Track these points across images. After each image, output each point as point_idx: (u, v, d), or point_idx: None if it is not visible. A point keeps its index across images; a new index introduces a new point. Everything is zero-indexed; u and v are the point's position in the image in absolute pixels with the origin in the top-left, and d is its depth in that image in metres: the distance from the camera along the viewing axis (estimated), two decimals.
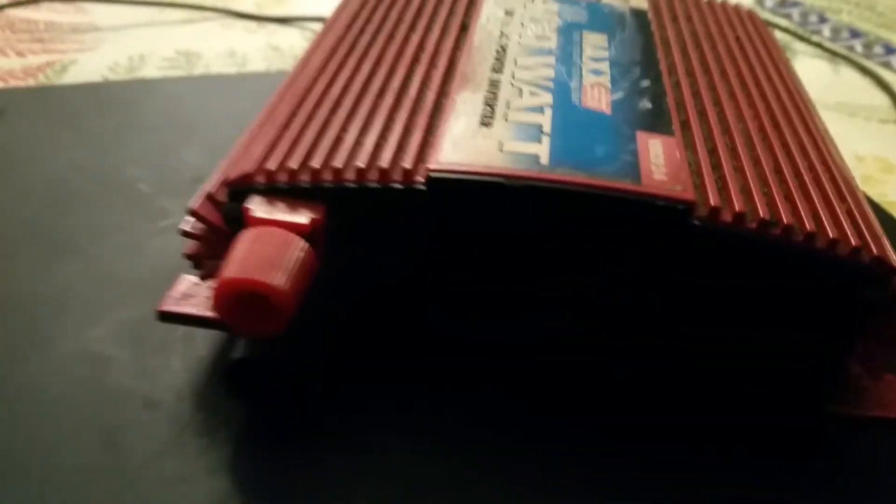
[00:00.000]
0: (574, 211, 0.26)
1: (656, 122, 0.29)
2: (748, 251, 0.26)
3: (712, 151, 0.29)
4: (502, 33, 0.35)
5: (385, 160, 0.26)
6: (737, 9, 0.42)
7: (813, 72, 0.62)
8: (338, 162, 0.26)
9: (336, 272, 0.27)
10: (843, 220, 0.27)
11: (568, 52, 0.34)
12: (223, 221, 0.26)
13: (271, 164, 0.26)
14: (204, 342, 0.30)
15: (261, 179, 0.26)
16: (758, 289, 0.26)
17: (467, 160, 0.26)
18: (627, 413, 0.29)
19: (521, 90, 0.31)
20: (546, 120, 0.29)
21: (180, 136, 0.43)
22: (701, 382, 0.29)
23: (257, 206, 0.26)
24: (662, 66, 0.34)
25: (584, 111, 0.30)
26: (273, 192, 0.26)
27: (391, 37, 0.35)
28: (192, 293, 0.29)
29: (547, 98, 0.30)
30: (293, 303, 0.24)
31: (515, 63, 0.33)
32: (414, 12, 0.37)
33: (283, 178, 0.26)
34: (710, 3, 0.42)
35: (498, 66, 0.32)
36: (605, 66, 0.33)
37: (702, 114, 0.31)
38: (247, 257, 0.24)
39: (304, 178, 0.26)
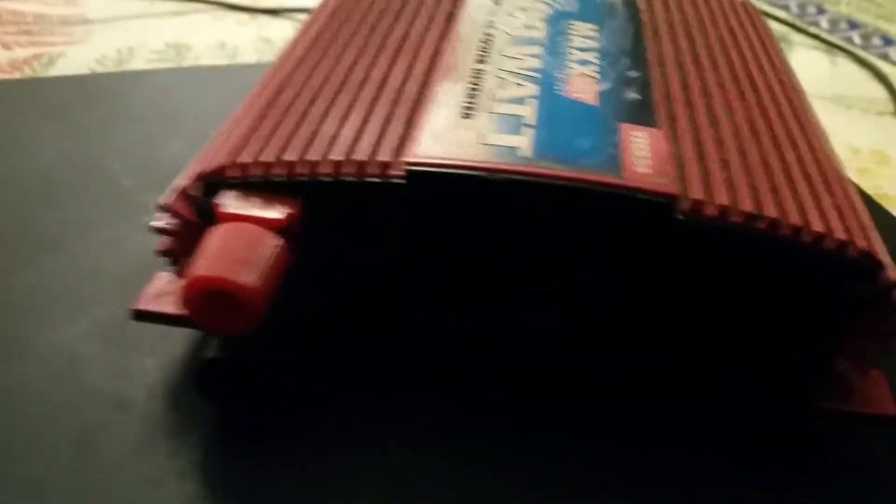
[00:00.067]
0: (554, 204, 0.25)
1: (643, 113, 0.29)
2: (733, 245, 0.25)
3: (699, 143, 0.28)
4: (489, 22, 0.35)
5: (363, 153, 0.26)
6: None
7: (810, 63, 0.61)
8: (314, 155, 0.26)
9: (312, 266, 0.26)
10: (830, 213, 0.26)
11: (556, 42, 0.33)
12: (196, 216, 0.26)
13: (245, 158, 0.26)
14: (180, 340, 0.29)
15: (234, 173, 0.26)
16: (743, 283, 0.26)
17: (446, 153, 0.26)
18: (616, 408, 0.28)
19: (505, 81, 0.30)
20: (530, 111, 0.28)
21: (167, 129, 0.42)
22: (688, 377, 0.28)
23: (230, 201, 0.25)
24: (652, 56, 0.33)
25: (570, 102, 0.29)
26: (247, 186, 0.25)
27: (375, 26, 0.34)
28: (167, 291, 0.28)
29: (532, 89, 0.30)
30: (264, 301, 0.23)
31: (501, 53, 0.32)
32: (400, 1, 0.36)
33: (257, 171, 0.26)
34: None
35: (483, 57, 0.32)
36: (593, 57, 0.32)
37: (690, 105, 0.30)
38: (216, 254, 0.23)
39: (279, 171, 0.25)
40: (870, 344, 0.27)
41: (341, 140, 0.26)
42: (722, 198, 0.25)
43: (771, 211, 0.25)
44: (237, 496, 0.25)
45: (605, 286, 0.27)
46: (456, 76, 0.30)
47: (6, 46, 0.54)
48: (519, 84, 0.30)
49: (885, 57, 0.62)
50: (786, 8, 0.69)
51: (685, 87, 0.31)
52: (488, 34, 0.34)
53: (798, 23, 0.66)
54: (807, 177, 0.28)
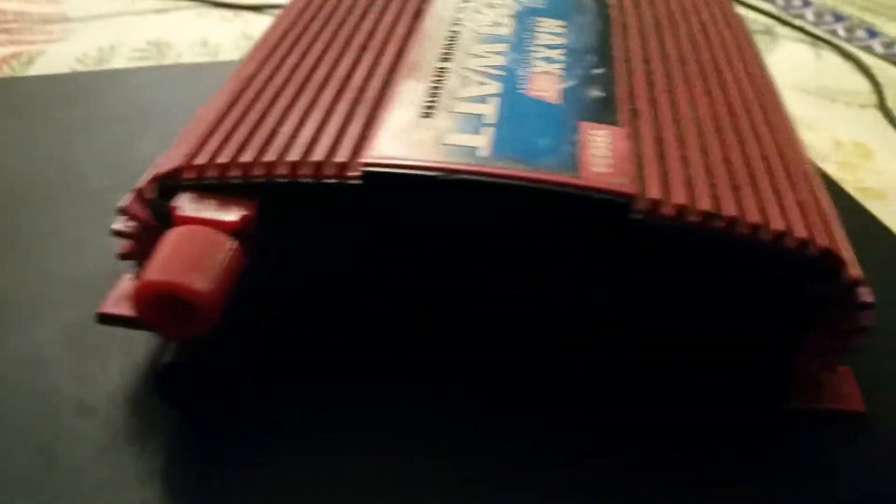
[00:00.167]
0: (510, 205, 0.25)
1: (604, 111, 0.29)
2: (691, 244, 0.25)
3: (659, 141, 0.28)
4: (456, 20, 0.34)
5: (319, 154, 0.26)
6: None
7: (795, 56, 0.61)
8: (270, 156, 0.26)
9: (269, 268, 0.26)
10: (792, 211, 0.26)
11: (522, 40, 0.33)
12: (154, 219, 0.26)
13: (201, 159, 0.26)
14: (142, 344, 0.29)
15: (190, 175, 0.25)
16: (705, 282, 0.26)
17: (403, 153, 0.26)
18: (593, 407, 0.28)
19: (468, 79, 0.30)
20: (491, 110, 0.28)
21: (143, 128, 0.42)
22: (659, 376, 0.28)
23: (185, 204, 0.25)
24: (619, 53, 0.33)
25: (530, 101, 0.29)
26: (203, 188, 0.25)
27: (342, 23, 0.34)
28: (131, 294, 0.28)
29: (494, 87, 0.29)
30: (217, 305, 0.23)
31: (466, 51, 0.32)
32: None
33: (212, 173, 0.25)
34: None
35: (447, 55, 0.32)
36: (559, 54, 0.32)
37: (653, 102, 0.30)
38: (168, 258, 0.23)
39: (235, 173, 0.25)
40: (833, 342, 0.27)
41: (299, 141, 0.26)
42: (680, 197, 0.25)
43: (730, 209, 0.25)
44: (199, 500, 0.25)
45: (567, 286, 0.27)
46: (419, 74, 0.30)
47: None
48: (482, 82, 0.30)
49: (869, 49, 0.62)
50: (771, 0, 0.68)
51: (650, 83, 0.31)
52: (454, 31, 0.33)
53: (783, 15, 0.66)
54: (770, 173, 0.28)
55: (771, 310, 0.26)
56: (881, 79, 0.57)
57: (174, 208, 0.25)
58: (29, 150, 0.39)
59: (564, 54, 0.32)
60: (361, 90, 0.29)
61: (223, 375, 0.26)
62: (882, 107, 0.54)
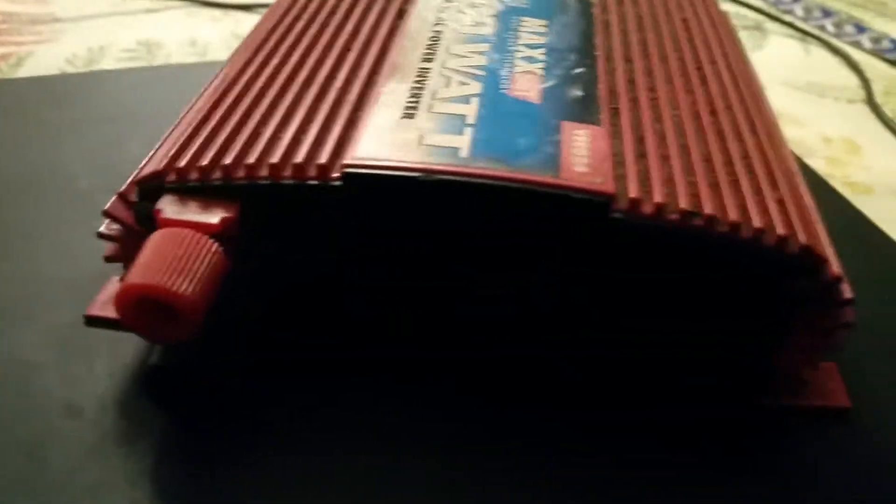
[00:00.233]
0: (491, 205, 0.25)
1: (585, 110, 0.29)
2: (671, 243, 0.25)
3: (640, 140, 0.28)
4: (439, 20, 0.35)
5: (301, 155, 0.26)
6: None
7: (784, 52, 0.61)
8: (251, 158, 0.26)
9: (252, 270, 0.26)
10: (772, 209, 0.26)
11: (504, 39, 0.33)
12: (136, 222, 0.26)
13: (182, 162, 0.26)
14: (131, 346, 0.29)
15: (172, 178, 0.26)
16: (686, 280, 0.26)
17: (385, 154, 0.26)
18: (582, 407, 0.28)
19: (449, 80, 0.30)
20: (471, 111, 0.28)
21: (132, 129, 0.42)
22: (644, 375, 0.28)
23: (168, 206, 0.25)
24: (600, 52, 0.33)
25: (511, 100, 0.29)
26: (186, 190, 0.25)
27: (325, 24, 0.34)
28: None
29: (475, 87, 0.30)
30: (201, 308, 0.23)
31: (449, 51, 0.32)
32: None
33: (194, 175, 0.25)
34: None
35: (430, 55, 0.32)
36: (540, 53, 0.32)
37: (634, 101, 0.30)
38: (151, 261, 0.23)
39: (217, 175, 0.25)
40: (815, 339, 0.27)
41: (281, 142, 0.26)
42: (659, 195, 0.25)
43: (709, 208, 0.25)
44: (188, 501, 0.25)
45: (549, 286, 0.27)
46: (401, 75, 0.30)
47: None
48: (463, 83, 0.30)
49: (858, 45, 0.62)
50: None
51: (631, 82, 0.31)
52: (437, 31, 0.34)
53: (773, 11, 0.66)
54: (751, 171, 0.28)
55: (752, 307, 0.26)
56: (869, 74, 0.57)
57: (157, 211, 0.25)
58: (18, 151, 0.40)
59: (546, 54, 0.32)
60: (344, 91, 0.29)
61: (211, 377, 0.26)
62: (870, 102, 0.54)
